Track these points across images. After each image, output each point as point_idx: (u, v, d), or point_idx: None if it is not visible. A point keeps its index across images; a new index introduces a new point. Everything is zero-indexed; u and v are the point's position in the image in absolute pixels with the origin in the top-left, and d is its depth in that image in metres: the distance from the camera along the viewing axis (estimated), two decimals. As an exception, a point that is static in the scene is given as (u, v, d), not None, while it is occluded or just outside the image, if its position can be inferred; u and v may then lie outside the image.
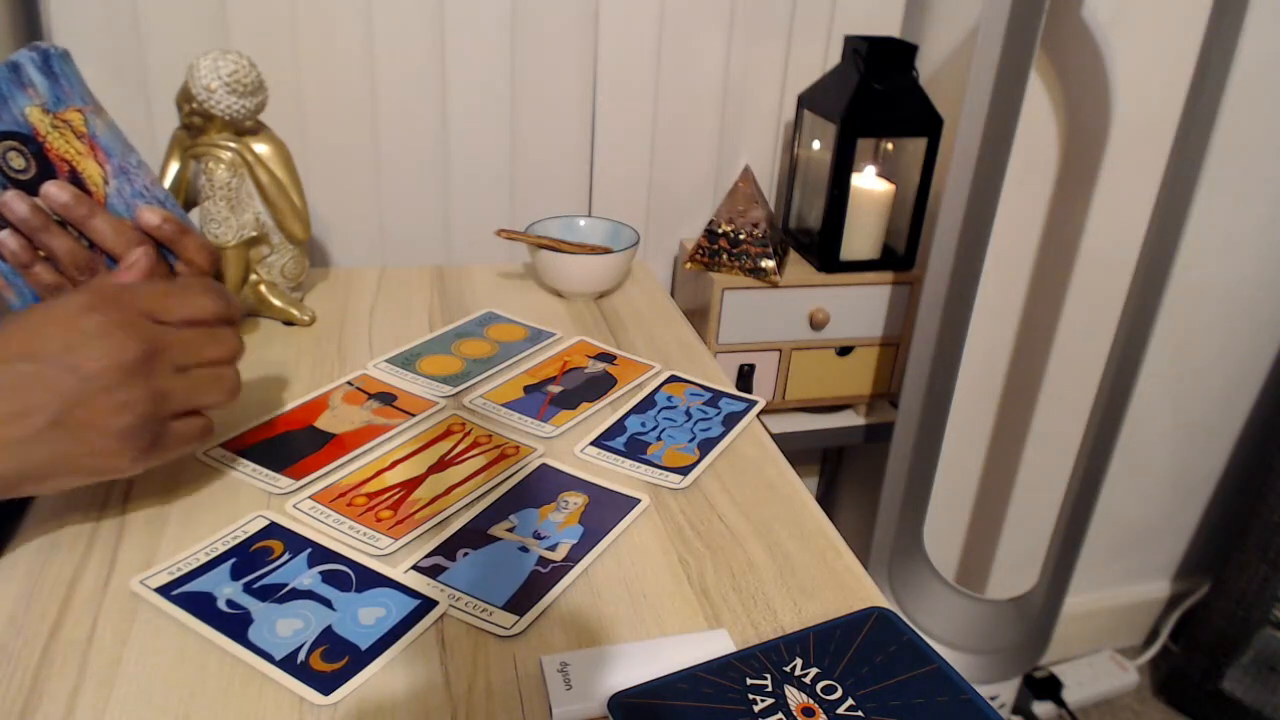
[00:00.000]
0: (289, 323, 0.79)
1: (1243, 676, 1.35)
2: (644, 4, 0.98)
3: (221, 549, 0.52)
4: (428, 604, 0.49)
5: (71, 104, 0.55)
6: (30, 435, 0.45)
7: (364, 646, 0.46)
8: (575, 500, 0.59)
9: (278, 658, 0.45)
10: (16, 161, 0.54)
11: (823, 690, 0.44)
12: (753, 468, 0.64)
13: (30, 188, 0.55)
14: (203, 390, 0.51)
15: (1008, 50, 0.87)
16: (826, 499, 1.41)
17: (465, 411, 0.68)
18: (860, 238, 1.06)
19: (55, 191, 0.55)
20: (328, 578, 0.51)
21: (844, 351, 1.10)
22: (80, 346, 0.46)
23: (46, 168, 0.55)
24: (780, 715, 0.43)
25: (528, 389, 0.72)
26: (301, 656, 0.45)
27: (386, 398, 0.69)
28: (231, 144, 0.72)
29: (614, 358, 0.78)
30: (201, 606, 0.48)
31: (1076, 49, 1.05)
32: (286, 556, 0.52)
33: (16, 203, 0.54)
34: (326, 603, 0.49)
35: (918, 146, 1.02)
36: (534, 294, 0.90)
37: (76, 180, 0.56)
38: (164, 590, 0.49)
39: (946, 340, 1.00)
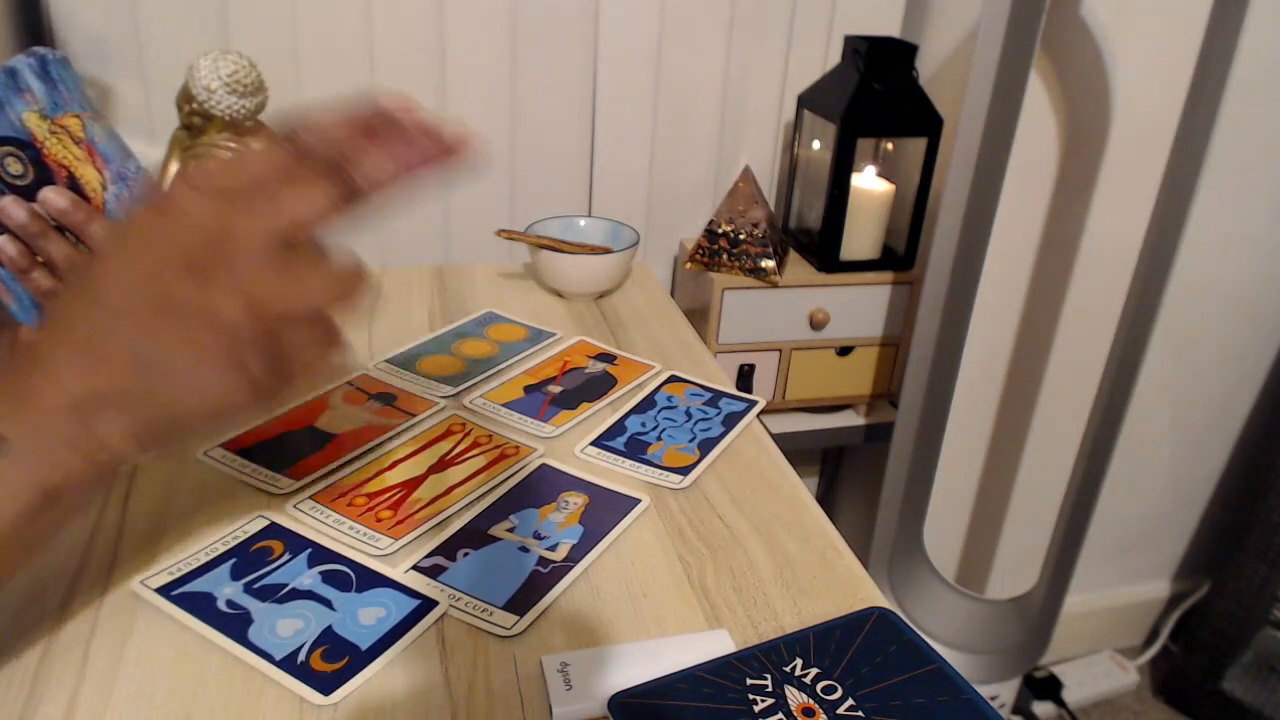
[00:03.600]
0: (289, 323, 0.79)
1: (1243, 676, 1.35)
2: (644, 4, 0.98)
3: (222, 549, 0.52)
4: (428, 604, 0.49)
5: (70, 109, 0.55)
6: (136, 383, 0.37)
7: (364, 646, 0.46)
8: (575, 500, 0.59)
9: (278, 658, 0.45)
10: (14, 167, 0.54)
11: (823, 690, 0.44)
12: (753, 468, 0.64)
13: (28, 193, 0.54)
14: (308, 349, 0.39)
15: (1008, 50, 0.87)
16: (826, 499, 1.41)
17: (465, 412, 0.68)
18: (860, 238, 1.06)
19: (53, 197, 0.54)
20: (328, 578, 0.51)
21: (844, 351, 1.10)
22: (161, 270, 0.36)
23: (44, 173, 0.55)
24: (780, 715, 0.43)
25: (528, 389, 0.72)
26: (302, 657, 0.45)
27: (386, 398, 0.69)
28: (231, 144, 0.72)
29: (614, 358, 0.78)
30: (202, 607, 0.48)
31: (1076, 49, 1.05)
32: (287, 557, 0.52)
33: (14, 208, 0.54)
34: (327, 603, 0.49)
35: (918, 146, 1.02)
36: (534, 294, 0.90)
37: (75, 186, 0.56)
38: (164, 590, 0.49)
39: (946, 340, 1.00)
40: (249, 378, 0.37)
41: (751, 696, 0.43)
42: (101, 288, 0.38)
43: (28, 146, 0.54)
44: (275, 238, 0.36)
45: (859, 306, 1.07)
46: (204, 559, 0.51)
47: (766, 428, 0.69)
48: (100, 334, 0.37)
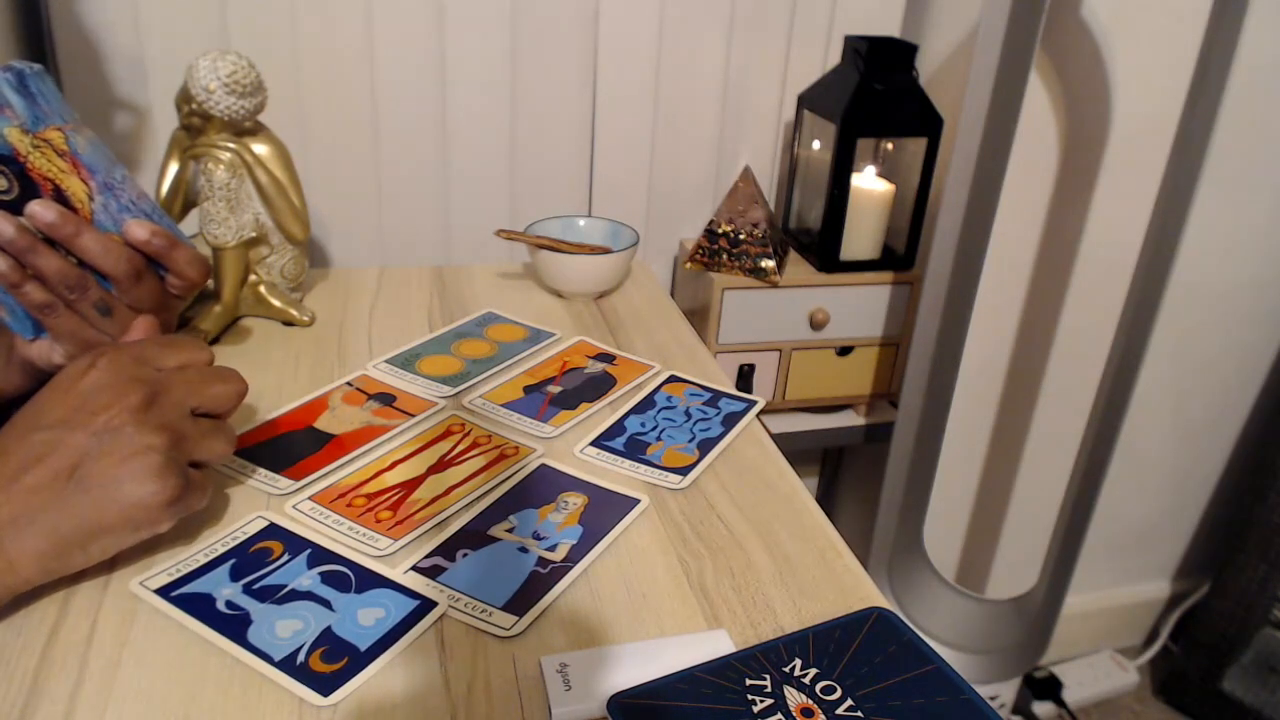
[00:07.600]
0: (288, 323, 0.79)
1: (1243, 676, 1.35)
2: (644, 4, 0.98)
3: (221, 550, 0.52)
4: (427, 605, 0.49)
5: (51, 123, 0.55)
6: (55, 500, 0.45)
7: (363, 647, 0.46)
8: (575, 500, 0.59)
9: (277, 659, 0.45)
10: None
11: (822, 690, 0.44)
12: (752, 468, 0.64)
13: (14, 208, 0.54)
14: (211, 437, 0.50)
15: (1008, 50, 0.87)
16: (826, 499, 1.41)
17: (465, 412, 0.68)
18: (860, 238, 1.06)
19: (40, 210, 0.54)
20: (327, 578, 0.51)
21: (844, 351, 1.10)
22: (85, 404, 0.47)
23: (30, 187, 0.54)
24: (779, 715, 0.43)
25: (527, 389, 0.72)
26: (301, 657, 0.45)
27: (386, 398, 0.69)
28: (231, 144, 0.72)
29: (613, 358, 0.78)
30: (201, 608, 0.48)
31: (1076, 49, 1.05)
32: (286, 557, 0.52)
33: (1, 224, 0.53)
34: (326, 604, 0.49)
35: (918, 146, 1.02)
36: (534, 294, 0.90)
37: (61, 198, 0.55)
38: (163, 591, 0.49)
39: (946, 340, 1.00)
40: (166, 486, 0.46)
41: (750, 697, 0.43)
42: (46, 414, 0.47)
43: (11, 162, 0.54)
44: (193, 404, 0.50)
45: (859, 306, 1.07)
46: (203, 560, 0.51)
47: (766, 428, 0.69)
48: (30, 455, 0.45)
